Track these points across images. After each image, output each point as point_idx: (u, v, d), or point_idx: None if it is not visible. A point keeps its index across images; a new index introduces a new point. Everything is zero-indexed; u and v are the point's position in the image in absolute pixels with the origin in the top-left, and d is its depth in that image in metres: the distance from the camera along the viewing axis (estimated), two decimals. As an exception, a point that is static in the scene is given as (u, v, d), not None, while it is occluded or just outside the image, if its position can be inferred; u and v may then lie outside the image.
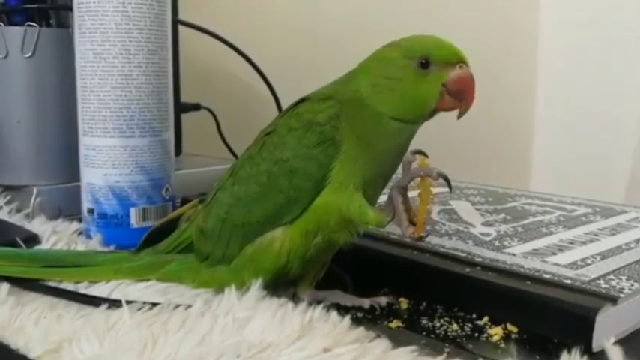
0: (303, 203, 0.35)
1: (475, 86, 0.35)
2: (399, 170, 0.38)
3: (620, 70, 1.22)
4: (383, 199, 0.45)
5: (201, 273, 0.38)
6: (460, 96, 0.35)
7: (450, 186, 0.35)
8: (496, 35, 1.26)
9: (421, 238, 0.35)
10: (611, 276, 0.37)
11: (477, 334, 0.35)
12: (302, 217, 0.35)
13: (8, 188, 0.57)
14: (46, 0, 0.57)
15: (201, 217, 0.39)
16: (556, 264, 0.39)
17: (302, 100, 0.38)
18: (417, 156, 0.36)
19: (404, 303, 0.39)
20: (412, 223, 0.35)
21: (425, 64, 0.35)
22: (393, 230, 0.45)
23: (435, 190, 0.36)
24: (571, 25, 1.28)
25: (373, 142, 0.36)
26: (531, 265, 0.39)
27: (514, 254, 0.41)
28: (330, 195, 0.35)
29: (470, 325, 0.36)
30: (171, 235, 0.41)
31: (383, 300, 0.38)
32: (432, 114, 0.36)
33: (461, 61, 0.35)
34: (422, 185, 0.35)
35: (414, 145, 0.38)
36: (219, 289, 0.36)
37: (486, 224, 0.49)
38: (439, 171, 0.34)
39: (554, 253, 0.41)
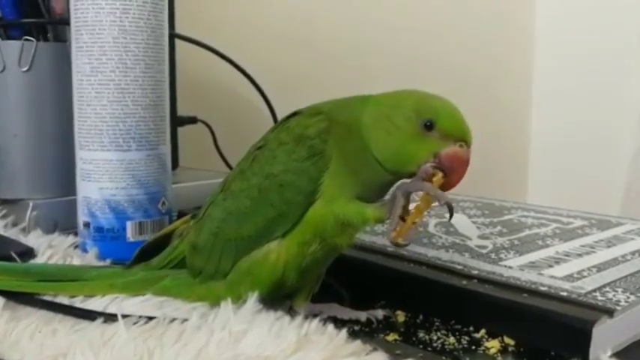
0: (294, 217, 0.35)
1: (466, 170, 0.35)
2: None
3: (615, 85, 1.23)
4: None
5: (196, 289, 0.38)
6: (447, 173, 0.34)
7: (451, 216, 0.35)
8: (492, 50, 1.27)
9: (399, 245, 0.34)
10: (608, 288, 0.37)
11: (474, 347, 0.35)
12: (297, 229, 0.35)
13: (4, 202, 0.57)
14: (43, 14, 0.57)
15: (193, 232, 0.39)
16: (552, 276, 0.39)
17: (294, 114, 0.38)
18: (436, 172, 0.34)
19: (401, 316, 0.39)
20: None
21: (428, 127, 0.34)
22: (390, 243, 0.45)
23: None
24: (566, 40, 1.29)
25: (358, 169, 0.36)
26: (528, 277, 0.39)
27: (510, 267, 0.41)
28: (323, 206, 0.35)
29: (467, 338, 0.36)
30: (164, 251, 0.40)
31: (379, 313, 0.38)
32: (411, 175, 0.35)
33: (464, 140, 0.34)
34: (424, 199, 0.34)
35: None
36: (216, 303, 0.36)
37: (483, 237, 0.49)
38: (448, 201, 0.34)
39: (551, 266, 0.41)
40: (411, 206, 0.35)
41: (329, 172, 0.35)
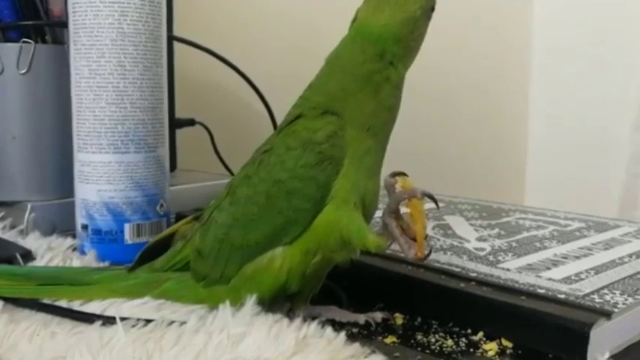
0: (302, 224, 0.35)
1: None
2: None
3: (613, 88, 1.23)
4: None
5: (199, 292, 0.37)
6: None
7: (436, 203, 0.35)
8: (490, 53, 1.27)
9: (425, 257, 0.35)
10: (605, 290, 0.37)
11: (472, 350, 0.35)
12: (302, 237, 0.35)
13: (2, 204, 0.56)
14: (41, 16, 0.57)
15: (197, 237, 0.38)
16: (550, 279, 0.39)
17: (298, 117, 0.37)
18: (398, 178, 0.36)
19: (399, 318, 0.39)
20: (413, 239, 0.35)
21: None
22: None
23: (426, 206, 0.36)
24: (563, 42, 1.29)
25: (383, 117, 0.36)
26: (526, 280, 0.39)
27: (508, 269, 0.41)
28: (332, 213, 0.35)
29: (465, 340, 0.36)
30: (167, 253, 0.40)
31: (378, 316, 0.38)
32: None
33: None
34: (411, 206, 0.35)
35: (404, 166, 0.38)
36: (217, 307, 0.35)
37: (480, 239, 0.49)
38: (423, 190, 0.34)
39: (549, 268, 0.41)
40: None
41: (342, 174, 0.35)
